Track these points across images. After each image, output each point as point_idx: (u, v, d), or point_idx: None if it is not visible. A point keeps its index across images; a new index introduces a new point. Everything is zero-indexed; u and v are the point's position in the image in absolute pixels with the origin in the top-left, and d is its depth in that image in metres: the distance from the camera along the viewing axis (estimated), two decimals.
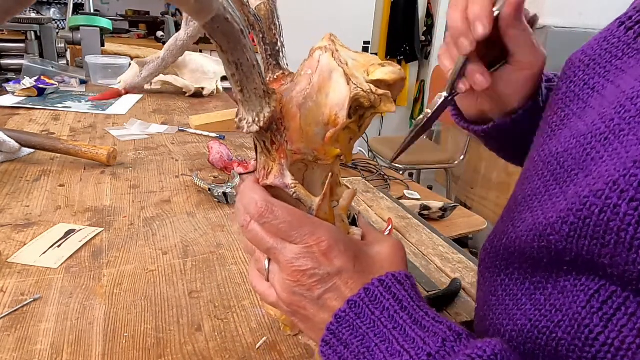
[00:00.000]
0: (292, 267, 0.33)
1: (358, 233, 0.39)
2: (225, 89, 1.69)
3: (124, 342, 0.46)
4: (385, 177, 1.17)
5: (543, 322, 0.32)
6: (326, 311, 0.33)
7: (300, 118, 0.34)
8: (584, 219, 0.28)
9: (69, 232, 0.66)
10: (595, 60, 0.35)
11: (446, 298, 0.58)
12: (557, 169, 0.33)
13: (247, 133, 0.33)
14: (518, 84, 0.46)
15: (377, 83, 0.34)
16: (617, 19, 0.35)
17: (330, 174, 0.38)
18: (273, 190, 0.35)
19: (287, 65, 0.39)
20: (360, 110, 0.36)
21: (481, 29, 0.40)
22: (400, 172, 1.81)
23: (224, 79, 1.66)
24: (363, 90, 0.33)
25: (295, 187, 0.35)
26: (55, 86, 1.48)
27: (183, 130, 1.21)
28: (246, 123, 0.33)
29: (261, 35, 0.37)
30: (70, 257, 0.60)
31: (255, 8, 0.37)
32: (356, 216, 0.42)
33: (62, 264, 0.58)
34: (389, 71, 0.34)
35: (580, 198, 0.28)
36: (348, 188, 0.44)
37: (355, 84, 0.33)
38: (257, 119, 0.33)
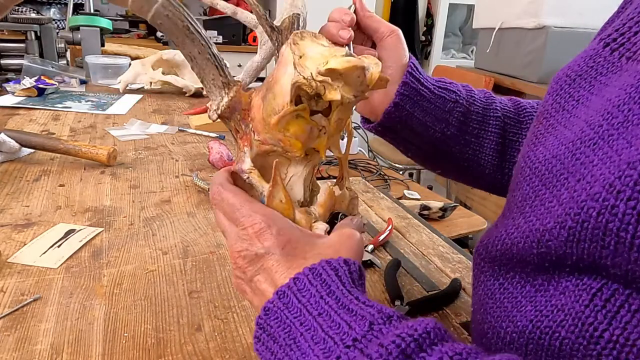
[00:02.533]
0: (232, 249, 0.35)
1: (321, 228, 0.38)
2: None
3: (124, 342, 0.46)
4: (385, 177, 1.17)
5: (545, 322, 0.32)
6: (258, 295, 0.34)
7: (262, 109, 0.36)
8: (582, 223, 0.28)
9: (69, 232, 0.66)
10: (581, 76, 0.37)
11: (446, 298, 0.58)
12: (546, 174, 0.34)
13: (212, 120, 0.37)
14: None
15: (330, 73, 0.34)
16: (602, 39, 0.37)
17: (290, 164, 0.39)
18: (239, 178, 0.38)
19: None
20: (311, 97, 0.36)
21: (347, 17, 0.45)
22: (400, 172, 1.81)
23: None
24: (304, 77, 0.34)
25: (250, 173, 0.37)
26: (55, 86, 1.48)
27: (183, 130, 1.21)
28: (210, 111, 0.37)
29: (276, 44, 0.39)
30: (70, 257, 0.60)
31: (282, 21, 0.40)
32: (342, 215, 0.42)
33: (62, 264, 0.58)
34: (341, 60, 0.34)
35: (577, 202, 0.29)
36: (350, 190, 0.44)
37: (298, 72, 0.34)
38: (216, 108, 0.36)
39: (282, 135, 0.36)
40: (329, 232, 0.38)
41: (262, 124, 0.36)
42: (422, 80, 0.54)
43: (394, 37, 0.52)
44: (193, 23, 0.34)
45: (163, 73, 1.59)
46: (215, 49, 0.36)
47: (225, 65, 0.37)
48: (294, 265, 0.33)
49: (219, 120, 0.37)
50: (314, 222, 0.38)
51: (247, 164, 0.37)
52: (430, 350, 0.26)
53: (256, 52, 0.57)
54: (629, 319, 0.28)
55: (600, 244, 0.27)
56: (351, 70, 0.34)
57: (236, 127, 0.37)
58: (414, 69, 0.54)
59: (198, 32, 0.35)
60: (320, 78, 0.34)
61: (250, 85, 0.54)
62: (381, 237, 0.70)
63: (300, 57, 0.35)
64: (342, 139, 0.44)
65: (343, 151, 0.43)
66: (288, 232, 0.34)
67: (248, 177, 0.37)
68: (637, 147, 0.26)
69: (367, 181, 1.02)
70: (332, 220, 0.41)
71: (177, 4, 0.34)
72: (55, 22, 3.07)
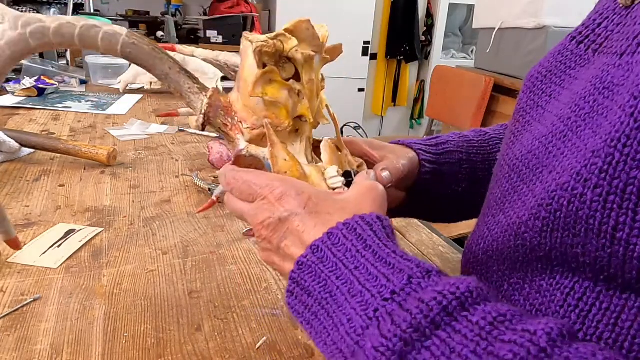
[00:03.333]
0: (255, 223, 0.34)
1: (332, 171, 0.39)
2: (225, 89, 1.69)
3: (124, 342, 0.46)
4: None
5: None
6: (289, 260, 0.33)
7: (240, 97, 0.39)
8: (554, 212, 0.29)
9: (69, 232, 0.66)
10: (551, 72, 0.38)
11: None
12: (523, 170, 0.35)
13: (201, 125, 0.39)
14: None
15: (282, 36, 0.38)
16: (569, 35, 0.38)
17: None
18: (241, 159, 0.40)
19: None
20: (278, 65, 0.39)
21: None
22: None
23: (224, 79, 1.66)
24: (260, 41, 0.37)
25: (248, 147, 0.39)
26: (55, 86, 1.48)
27: (183, 130, 1.21)
28: (195, 120, 0.39)
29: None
30: (70, 257, 0.60)
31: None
32: (353, 175, 0.41)
33: (62, 264, 0.58)
34: (289, 21, 0.39)
35: (548, 193, 0.29)
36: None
37: (255, 41, 0.37)
38: (200, 111, 0.39)
39: (264, 108, 0.38)
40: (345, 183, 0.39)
41: (245, 110, 0.39)
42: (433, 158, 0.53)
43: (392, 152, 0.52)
44: (157, 46, 0.38)
45: None
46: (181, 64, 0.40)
47: (195, 77, 0.40)
48: (320, 221, 0.32)
49: (203, 120, 0.40)
50: (324, 169, 0.39)
51: (243, 143, 0.39)
52: (472, 309, 0.25)
53: None
54: (600, 318, 0.28)
55: (572, 232, 0.28)
56: (299, 25, 0.38)
57: (223, 121, 0.40)
58: (421, 150, 0.52)
59: (163, 52, 0.38)
60: (274, 34, 0.37)
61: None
62: None
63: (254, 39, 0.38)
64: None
65: (333, 136, 0.45)
66: (307, 191, 0.34)
67: (247, 151, 0.39)
68: (601, 135, 0.27)
69: None
70: (345, 177, 0.40)
71: (139, 35, 0.38)
72: None
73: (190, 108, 0.39)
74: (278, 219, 0.33)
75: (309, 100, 0.40)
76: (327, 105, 0.44)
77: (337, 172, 0.39)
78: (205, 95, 0.39)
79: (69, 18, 0.37)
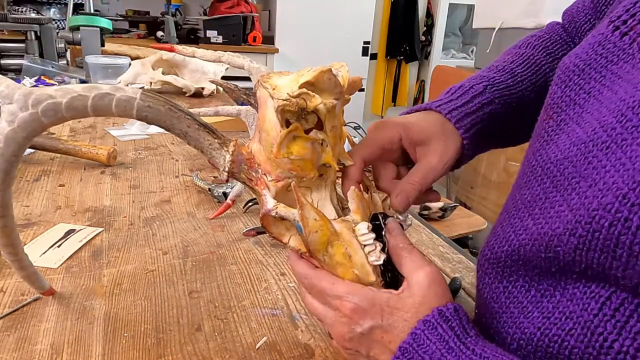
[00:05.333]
0: (335, 334, 0.37)
1: (363, 227, 0.38)
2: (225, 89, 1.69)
3: (124, 342, 0.46)
4: None
5: (553, 330, 0.32)
6: None
7: (263, 149, 0.38)
8: (592, 232, 0.28)
9: (69, 232, 0.66)
10: (590, 65, 0.35)
11: None
12: (557, 176, 0.33)
13: (225, 180, 0.39)
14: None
15: (306, 87, 0.36)
16: (610, 22, 0.34)
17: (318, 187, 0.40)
18: (270, 221, 0.39)
19: None
20: (300, 117, 0.37)
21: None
22: None
23: (224, 79, 1.66)
24: (282, 100, 0.35)
25: (276, 207, 0.38)
26: (56, 86, 1.48)
27: None
28: (220, 174, 0.39)
29: (255, 105, 0.41)
30: (70, 257, 0.60)
31: (254, 85, 0.41)
32: (381, 219, 0.41)
33: (62, 264, 0.58)
34: (308, 73, 0.36)
35: (588, 210, 0.28)
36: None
37: (276, 98, 0.36)
38: (222, 168, 0.38)
39: (289, 162, 0.37)
40: (374, 231, 0.39)
41: (269, 163, 0.38)
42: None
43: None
44: (173, 104, 0.37)
45: (163, 73, 1.59)
46: (200, 118, 0.39)
47: (215, 129, 0.39)
48: (401, 327, 0.35)
49: (227, 177, 0.40)
50: (355, 226, 0.39)
51: (270, 203, 0.38)
52: None
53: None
54: (638, 329, 0.27)
55: (612, 255, 0.27)
56: (320, 76, 0.36)
57: (247, 176, 0.39)
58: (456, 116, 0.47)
59: (180, 109, 0.37)
60: (297, 91, 0.35)
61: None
62: None
63: (274, 89, 0.37)
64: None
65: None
66: (378, 301, 0.36)
67: (276, 212, 0.38)
68: None
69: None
70: (373, 221, 0.41)
71: (152, 93, 0.37)
72: (55, 22, 3.07)
73: (213, 165, 0.40)
74: (360, 334, 0.36)
75: (332, 147, 0.39)
76: (347, 136, 0.43)
77: (368, 228, 0.38)
78: (227, 151, 0.38)
79: (79, 88, 0.36)
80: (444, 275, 0.64)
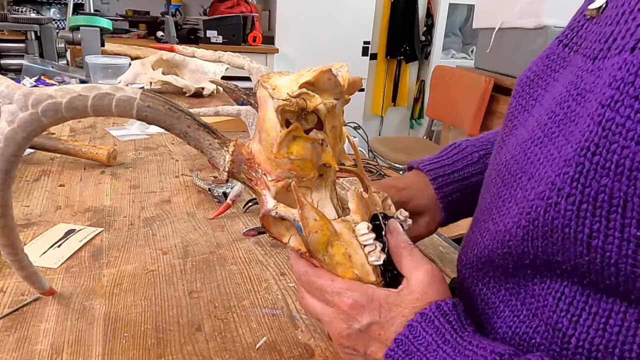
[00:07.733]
0: (332, 331, 0.37)
1: (363, 227, 0.38)
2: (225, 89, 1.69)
3: (124, 342, 0.46)
4: (386, 177, 1.17)
5: (522, 328, 0.33)
6: None
7: (263, 150, 0.38)
8: (532, 221, 0.29)
9: (69, 232, 0.66)
10: (538, 75, 0.38)
11: None
12: (506, 176, 0.35)
13: (225, 180, 0.39)
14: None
15: (306, 87, 0.36)
16: (557, 37, 0.38)
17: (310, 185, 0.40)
18: (270, 221, 0.39)
19: None
20: (300, 117, 0.37)
21: None
22: (400, 172, 1.81)
23: (224, 79, 1.66)
24: (282, 100, 0.35)
25: (276, 207, 0.38)
26: (55, 86, 1.48)
27: None
28: (220, 174, 0.39)
29: (256, 105, 0.42)
30: (70, 257, 0.60)
31: (254, 86, 0.41)
32: (381, 219, 0.42)
33: (62, 264, 0.58)
34: (308, 73, 0.36)
35: (528, 201, 0.30)
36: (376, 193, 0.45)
37: (276, 98, 0.36)
38: (223, 168, 0.38)
39: (289, 162, 0.37)
40: (374, 231, 0.39)
41: (269, 163, 0.38)
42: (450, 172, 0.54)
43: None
44: (173, 104, 0.37)
45: (163, 73, 1.59)
46: (200, 118, 0.39)
47: (215, 129, 0.39)
48: (399, 322, 0.35)
49: (227, 177, 0.40)
50: (355, 226, 0.39)
51: (270, 203, 0.38)
52: None
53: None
54: (590, 323, 0.28)
55: (550, 240, 0.28)
56: (320, 76, 0.36)
57: (247, 176, 0.39)
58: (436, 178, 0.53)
59: (180, 109, 0.37)
60: (297, 91, 0.35)
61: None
62: None
63: (274, 89, 0.36)
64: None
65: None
66: (376, 297, 0.36)
67: (276, 212, 0.38)
68: (572, 144, 0.27)
69: None
70: (373, 221, 0.41)
71: (152, 93, 0.37)
72: (55, 22, 3.07)
73: (213, 165, 0.40)
74: (358, 330, 0.36)
75: (332, 147, 0.39)
76: (347, 136, 0.43)
77: (368, 228, 0.38)
78: (227, 151, 0.38)
79: (79, 88, 0.36)
80: (443, 274, 0.64)
